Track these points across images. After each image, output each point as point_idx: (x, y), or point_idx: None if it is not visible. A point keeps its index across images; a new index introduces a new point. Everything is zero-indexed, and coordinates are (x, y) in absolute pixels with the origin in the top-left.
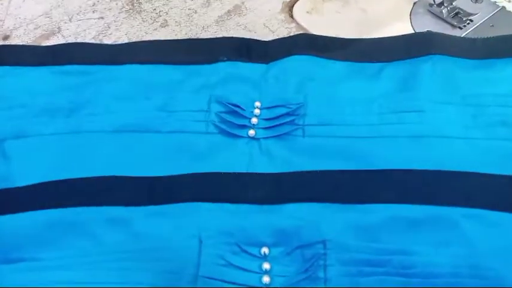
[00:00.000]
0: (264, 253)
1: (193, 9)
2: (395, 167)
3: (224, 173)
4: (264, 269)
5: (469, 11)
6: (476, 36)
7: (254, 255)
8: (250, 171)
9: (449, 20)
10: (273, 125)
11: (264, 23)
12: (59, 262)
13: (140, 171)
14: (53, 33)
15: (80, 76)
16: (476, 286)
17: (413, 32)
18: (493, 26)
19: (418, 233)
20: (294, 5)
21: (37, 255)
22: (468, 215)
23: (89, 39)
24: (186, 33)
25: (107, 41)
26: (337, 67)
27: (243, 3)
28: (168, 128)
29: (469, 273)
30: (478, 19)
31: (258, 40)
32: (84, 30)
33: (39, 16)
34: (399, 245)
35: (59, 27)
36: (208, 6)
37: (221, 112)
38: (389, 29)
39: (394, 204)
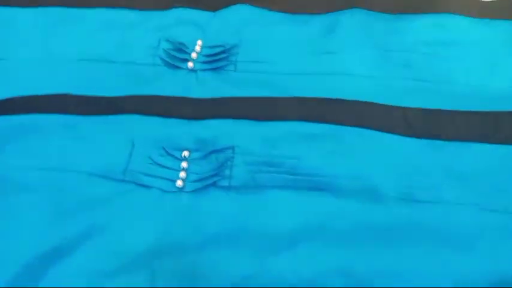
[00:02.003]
0: (184, 156)
1: None
2: (306, 94)
3: (161, 96)
4: (181, 167)
5: None
6: None
7: (176, 157)
8: (184, 95)
9: None
10: (210, 60)
11: None
12: (17, 155)
13: (94, 91)
14: None
15: (54, 15)
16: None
17: None
18: None
19: (310, 145)
20: None
21: (1, 149)
22: (355, 133)
23: None
24: None
25: None
26: (271, 15)
27: None
28: (121, 59)
29: (345, 174)
30: None
31: None
32: None
33: None
34: (293, 153)
35: None
36: None
37: (168, 49)
38: None
39: (295, 121)
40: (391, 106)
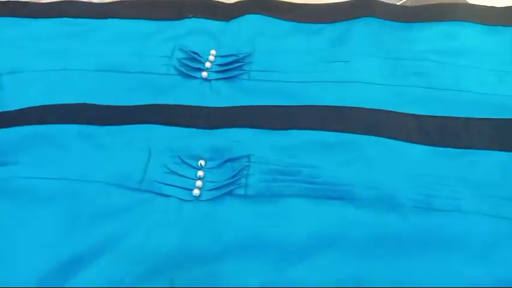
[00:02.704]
0: (201, 164)
1: None
2: (320, 102)
3: (177, 104)
4: (198, 176)
5: None
6: (410, 4)
7: (192, 166)
8: (199, 104)
9: None
10: (224, 69)
11: None
12: (34, 165)
13: (109, 101)
14: None
15: (73, 26)
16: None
17: None
18: None
19: (327, 153)
20: None
21: (18, 159)
22: (371, 141)
23: None
24: None
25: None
26: (283, 25)
27: None
28: (136, 69)
29: (362, 183)
30: None
31: (222, 2)
32: None
33: None
34: (309, 161)
35: None
36: None
37: (181, 58)
38: None
39: (311, 130)
40: (406, 114)
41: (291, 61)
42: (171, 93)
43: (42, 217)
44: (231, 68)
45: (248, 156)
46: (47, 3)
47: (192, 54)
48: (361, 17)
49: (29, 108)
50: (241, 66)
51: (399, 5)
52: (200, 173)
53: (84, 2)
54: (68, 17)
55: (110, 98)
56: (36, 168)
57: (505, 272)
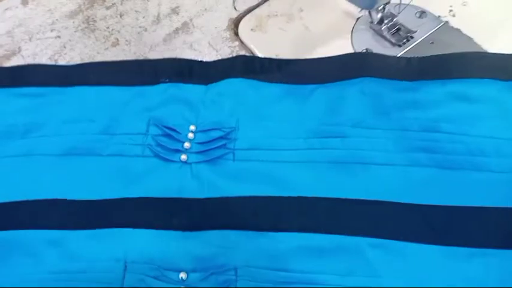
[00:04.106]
0: (182, 278)
1: (143, 27)
2: (316, 193)
3: (153, 198)
4: None
5: (410, 27)
6: (414, 55)
7: (173, 280)
8: (179, 195)
9: (389, 37)
10: (205, 149)
11: (209, 42)
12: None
13: (80, 194)
14: (13, 54)
15: (35, 98)
16: None
17: (353, 49)
18: (433, 43)
19: (324, 262)
20: (239, 22)
21: None
22: (374, 244)
23: (45, 60)
24: (134, 53)
25: (62, 61)
26: (270, 89)
27: (191, 20)
28: (108, 151)
29: None
30: (419, 35)
31: (200, 61)
32: (42, 50)
33: (2, 35)
34: (306, 274)
35: (19, 47)
36: (158, 23)
37: (157, 135)
38: (330, 46)
39: (304, 233)
40: (412, 206)
41: (280, 135)
42: (146, 180)
43: None
44: (214, 147)
45: (235, 270)
46: (6, 68)
47: (168, 131)
48: (357, 77)
49: None
50: (225, 144)
51: (401, 58)
52: None
53: (48, 65)
54: (29, 86)
55: (78, 190)
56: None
57: None
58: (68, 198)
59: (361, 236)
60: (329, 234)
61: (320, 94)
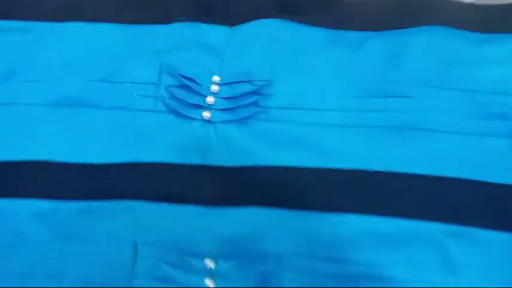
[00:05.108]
0: (209, 266)
1: None
2: (373, 165)
3: (168, 163)
4: (207, 284)
5: None
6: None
7: (197, 268)
8: (202, 162)
9: None
10: (233, 106)
11: None
12: None
13: (74, 155)
14: None
15: (17, 34)
16: None
17: None
18: None
19: (392, 253)
20: None
21: None
22: (452, 232)
23: None
24: None
25: None
26: (312, 35)
27: None
28: (109, 102)
29: None
30: None
31: None
32: None
33: None
34: (369, 268)
35: None
36: None
37: (173, 86)
38: None
39: (365, 215)
40: (496, 186)
41: (326, 92)
42: (159, 141)
43: None
44: (243, 104)
45: (277, 257)
46: None
47: (187, 81)
48: (420, 24)
49: None
50: (257, 101)
51: (474, 5)
52: (209, 283)
53: None
54: (13, 19)
55: (72, 151)
56: None
57: None
58: (58, 160)
59: (436, 221)
60: (396, 217)
61: (375, 43)
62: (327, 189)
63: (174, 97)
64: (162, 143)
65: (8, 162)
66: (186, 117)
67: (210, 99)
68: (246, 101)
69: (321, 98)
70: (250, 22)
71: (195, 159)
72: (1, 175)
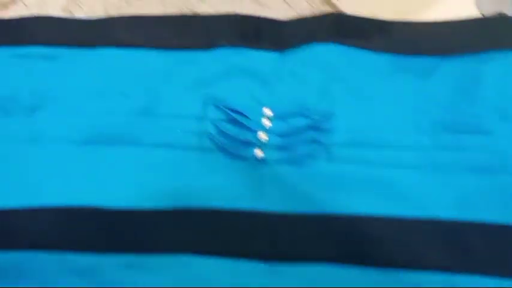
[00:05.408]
0: None
1: None
2: (458, 214)
3: (217, 210)
4: None
5: None
6: None
7: None
8: (255, 208)
9: None
10: (288, 143)
11: None
12: None
13: (111, 200)
14: (12, 1)
15: (43, 61)
16: None
17: (477, 10)
18: None
19: None
20: None
21: None
22: None
23: (56, 10)
24: (177, 5)
25: (79, 12)
26: (373, 61)
27: None
28: (150, 139)
29: None
30: None
31: (271, 19)
32: None
33: None
34: None
35: None
36: None
37: (220, 120)
38: (446, 4)
39: (460, 275)
40: None
41: (395, 127)
42: (206, 183)
43: None
44: (300, 140)
45: None
46: (3, 21)
47: (235, 115)
48: (497, 49)
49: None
50: (315, 137)
51: None
52: None
53: (61, 18)
54: (36, 44)
55: (110, 195)
56: None
57: None
58: (94, 205)
59: None
60: (495, 278)
61: (446, 70)
62: (405, 242)
63: (222, 133)
64: (208, 187)
65: (35, 209)
66: (237, 156)
67: (263, 136)
68: (303, 137)
69: (390, 134)
70: (303, 47)
71: (246, 205)
72: (30, 223)
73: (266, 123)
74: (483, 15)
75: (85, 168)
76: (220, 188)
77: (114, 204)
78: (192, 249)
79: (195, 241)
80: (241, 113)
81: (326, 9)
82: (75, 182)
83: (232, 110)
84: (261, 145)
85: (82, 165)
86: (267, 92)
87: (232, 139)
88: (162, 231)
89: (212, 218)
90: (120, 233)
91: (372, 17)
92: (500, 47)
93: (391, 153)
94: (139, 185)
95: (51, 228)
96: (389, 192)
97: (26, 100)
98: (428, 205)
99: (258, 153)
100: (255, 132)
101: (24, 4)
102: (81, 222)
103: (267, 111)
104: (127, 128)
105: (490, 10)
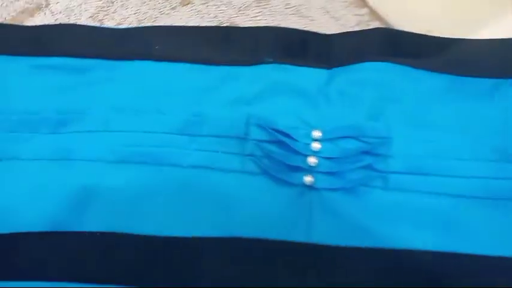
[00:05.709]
0: None
1: None
2: None
3: (267, 241)
4: None
5: None
6: None
7: None
8: (303, 238)
9: None
10: (340, 169)
11: (325, 6)
12: None
13: (148, 225)
14: (39, 8)
15: (72, 74)
16: None
17: None
18: None
19: None
20: None
21: None
22: None
23: (85, 19)
24: (215, 16)
25: (109, 22)
26: (431, 82)
27: None
28: (190, 160)
29: None
30: None
31: (317, 33)
32: (80, 4)
33: None
34: None
35: (46, 0)
36: None
37: (264, 142)
38: (503, 26)
39: None
40: None
41: (458, 153)
42: (250, 210)
43: None
44: (353, 167)
45: None
46: (29, 27)
47: (281, 137)
48: None
49: (12, 236)
50: (370, 163)
51: None
52: None
53: (90, 26)
54: (63, 56)
55: (146, 220)
56: None
57: None
58: (129, 231)
59: None
60: None
61: (507, 93)
62: (472, 280)
63: (266, 155)
64: (252, 214)
65: (64, 234)
66: (283, 180)
67: (313, 160)
68: (357, 163)
69: (453, 161)
70: (354, 65)
71: (295, 235)
72: (59, 251)
73: (316, 146)
74: None
75: (118, 191)
76: (264, 215)
77: (149, 231)
78: (234, 282)
79: (239, 275)
80: (287, 134)
81: (375, 23)
82: (106, 205)
83: (278, 131)
84: (311, 170)
85: (114, 187)
86: (314, 112)
87: (278, 162)
88: (202, 260)
89: (255, 247)
90: (154, 262)
91: (426, 34)
92: None
93: (454, 182)
94: (176, 210)
95: (88, 256)
96: (452, 226)
97: (52, 115)
98: (495, 241)
99: (308, 179)
100: (305, 156)
101: (51, 11)
102: (114, 249)
103: (316, 134)
104: (163, 148)
105: None
